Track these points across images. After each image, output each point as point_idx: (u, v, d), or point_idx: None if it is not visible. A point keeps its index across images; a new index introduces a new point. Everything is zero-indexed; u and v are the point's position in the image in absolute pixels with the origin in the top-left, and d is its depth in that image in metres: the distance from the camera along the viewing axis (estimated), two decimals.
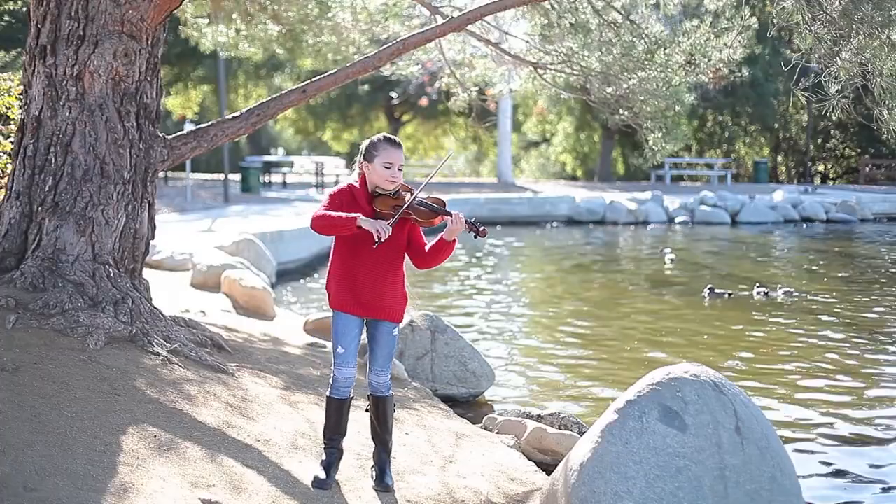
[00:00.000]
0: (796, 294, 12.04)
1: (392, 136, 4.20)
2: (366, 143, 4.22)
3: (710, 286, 11.95)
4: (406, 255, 4.25)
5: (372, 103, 38.30)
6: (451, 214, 4.06)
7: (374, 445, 4.40)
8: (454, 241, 4.12)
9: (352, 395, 4.31)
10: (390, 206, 4.11)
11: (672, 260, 15.89)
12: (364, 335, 4.31)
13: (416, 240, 4.22)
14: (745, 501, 3.80)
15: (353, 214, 3.98)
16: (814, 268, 15.21)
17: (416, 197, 4.11)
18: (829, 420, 6.65)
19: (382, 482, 4.28)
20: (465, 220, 4.06)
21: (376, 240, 3.95)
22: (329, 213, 4.01)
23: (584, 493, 3.81)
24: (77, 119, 5.81)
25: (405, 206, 4.08)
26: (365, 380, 4.46)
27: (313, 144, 47.34)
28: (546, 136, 42.12)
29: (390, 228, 3.98)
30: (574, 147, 40.14)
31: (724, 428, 3.88)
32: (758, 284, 12.36)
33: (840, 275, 14.36)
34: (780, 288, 12.20)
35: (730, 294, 11.74)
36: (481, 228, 4.07)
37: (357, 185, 4.20)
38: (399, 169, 4.14)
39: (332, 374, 4.24)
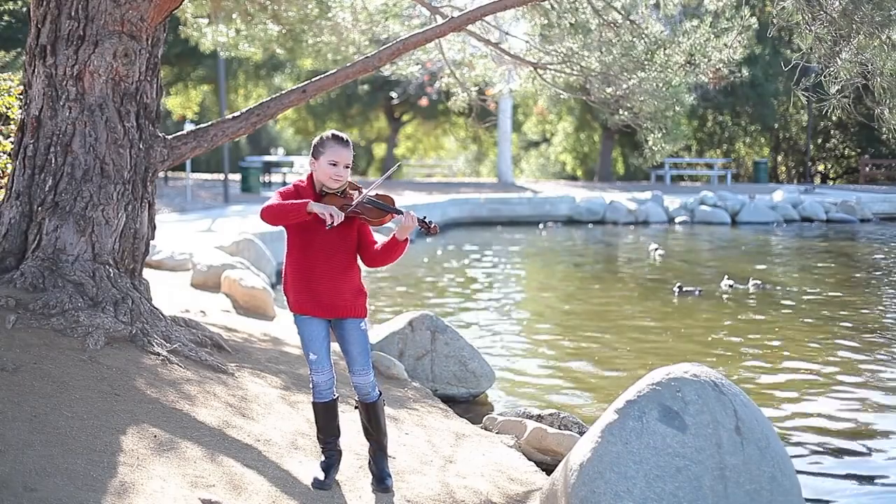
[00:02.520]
0: (764, 287, 12.19)
1: (341, 135, 4.11)
2: (316, 139, 4.15)
3: (679, 284, 12.02)
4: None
5: (372, 103, 38.29)
6: (402, 213, 4.04)
7: (369, 444, 4.37)
8: (406, 239, 4.08)
9: (336, 395, 4.27)
10: (338, 205, 4.05)
11: (661, 255, 15.95)
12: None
13: (365, 238, 4.18)
14: (745, 501, 3.80)
15: (304, 200, 3.95)
16: (806, 265, 15.21)
17: (365, 196, 4.06)
18: (827, 419, 6.64)
19: (382, 482, 4.27)
20: (417, 218, 4.04)
21: (328, 224, 3.89)
22: (279, 202, 3.98)
23: (584, 493, 3.81)
24: (77, 119, 5.81)
25: (355, 204, 4.03)
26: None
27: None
28: (546, 136, 42.17)
29: (342, 214, 3.93)
30: (574, 147, 40.18)
31: (724, 428, 3.88)
32: (726, 276, 12.55)
33: (828, 272, 14.36)
34: (751, 281, 12.34)
35: (700, 291, 11.79)
36: (433, 225, 4.04)
37: (304, 183, 4.15)
38: (346, 167, 4.07)
39: (311, 381, 4.21)
